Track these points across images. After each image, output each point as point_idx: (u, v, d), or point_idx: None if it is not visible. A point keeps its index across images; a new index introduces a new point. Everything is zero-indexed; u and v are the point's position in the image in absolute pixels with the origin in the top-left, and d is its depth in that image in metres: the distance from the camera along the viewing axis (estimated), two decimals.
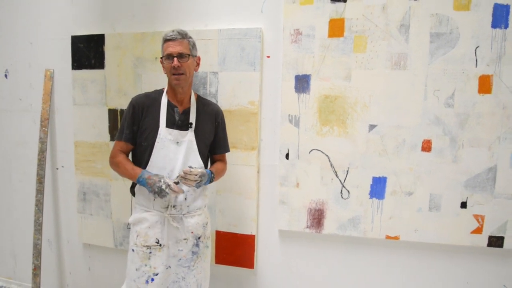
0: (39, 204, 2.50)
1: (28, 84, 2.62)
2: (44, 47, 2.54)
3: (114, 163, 1.84)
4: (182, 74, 1.73)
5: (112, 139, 2.41)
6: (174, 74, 1.73)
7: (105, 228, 2.49)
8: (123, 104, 2.37)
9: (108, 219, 2.48)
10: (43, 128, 2.51)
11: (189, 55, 1.75)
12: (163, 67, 1.80)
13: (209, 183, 1.83)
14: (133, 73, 2.33)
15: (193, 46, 1.80)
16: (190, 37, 1.78)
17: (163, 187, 1.66)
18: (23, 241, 2.77)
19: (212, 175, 1.83)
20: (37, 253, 2.51)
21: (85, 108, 2.45)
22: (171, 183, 1.67)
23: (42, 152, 2.51)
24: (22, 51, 2.60)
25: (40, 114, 2.54)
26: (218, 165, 1.95)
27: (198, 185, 1.73)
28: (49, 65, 2.54)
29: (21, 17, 2.57)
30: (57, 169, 2.62)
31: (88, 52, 2.40)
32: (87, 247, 2.62)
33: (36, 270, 2.51)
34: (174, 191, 1.68)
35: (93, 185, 2.49)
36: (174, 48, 1.71)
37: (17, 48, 2.61)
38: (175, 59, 1.71)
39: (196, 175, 1.68)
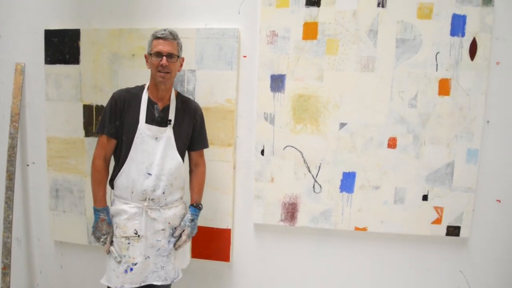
0: (9, 201, 2.44)
1: None
2: (14, 41, 2.48)
3: (92, 170, 1.88)
4: (168, 73, 1.78)
5: (87, 135, 2.39)
6: (160, 72, 1.77)
7: (79, 225, 2.47)
8: (98, 100, 2.36)
9: (82, 216, 2.46)
10: (14, 124, 2.45)
11: (177, 56, 1.82)
12: (147, 62, 1.85)
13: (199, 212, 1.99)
14: (109, 69, 2.33)
15: (181, 48, 1.86)
16: (179, 39, 1.84)
17: (100, 239, 1.82)
18: None
19: (198, 209, 1.97)
20: (6, 251, 2.44)
21: (59, 104, 2.42)
22: (107, 243, 1.82)
23: (12, 148, 2.45)
24: None
25: (10, 109, 2.48)
26: (198, 178, 2.02)
27: (191, 234, 1.93)
28: (20, 59, 2.48)
29: None
30: (28, 165, 2.56)
31: (62, 46, 2.37)
32: (59, 245, 2.58)
33: (6, 269, 2.45)
34: (106, 249, 1.84)
35: (67, 181, 2.46)
36: (164, 47, 1.76)
37: None
38: (165, 58, 1.75)
39: (187, 238, 1.90)
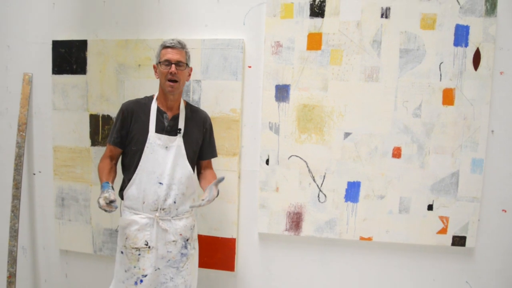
0: (15, 210, 2.45)
1: (4, 87, 2.58)
2: (23, 51, 2.52)
3: (98, 167, 1.92)
4: (177, 81, 1.80)
5: (93, 144, 2.41)
6: (169, 81, 1.79)
7: (84, 233, 2.48)
8: (105, 109, 2.39)
9: (87, 225, 2.47)
10: (21, 133, 2.48)
11: (186, 64, 1.84)
12: (155, 72, 1.88)
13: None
14: (116, 79, 2.36)
15: (189, 57, 1.89)
16: (187, 49, 1.87)
17: (99, 204, 1.67)
18: None
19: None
20: (12, 260, 2.45)
21: (65, 113, 2.45)
22: (102, 202, 1.66)
23: (19, 157, 2.47)
24: None
25: (17, 119, 2.50)
26: (212, 174, 1.99)
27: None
28: (28, 69, 2.51)
29: None
30: (34, 174, 2.58)
31: (69, 57, 2.41)
32: (64, 254, 2.59)
33: (11, 278, 2.45)
34: (105, 209, 1.68)
35: (72, 190, 2.47)
36: (173, 55, 1.79)
37: None
38: (173, 65, 1.78)
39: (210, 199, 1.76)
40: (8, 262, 2.47)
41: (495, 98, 2.07)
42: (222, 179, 1.78)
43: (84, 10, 2.41)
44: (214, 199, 1.78)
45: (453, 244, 2.13)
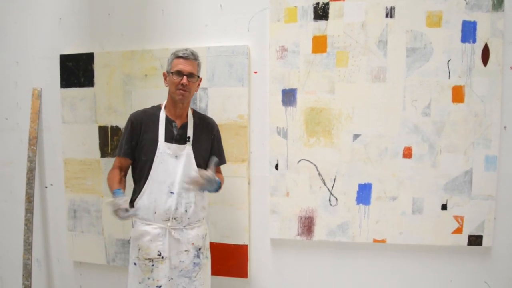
0: (28, 224, 2.48)
1: (14, 103, 2.62)
2: (31, 66, 2.56)
3: (107, 178, 1.89)
4: (187, 91, 1.81)
5: (102, 155, 2.43)
6: (179, 90, 1.79)
7: (97, 245, 2.49)
8: (113, 121, 2.40)
9: (100, 236, 2.48)
10: (32, 147, 2.51)
11: (198, 76, 1.85)
12: (165, 79, 1.88)
13: (214, 192, 1.86)
14: (123, 90, 2.38)
15: (200, 68, 1.89)
16: (199, 59, 1.87)
17: (115, 214, 1.68)
18: (10, 262, 2.71)
19: (219, 185, 1.86)
20: (27, 273, 2.48)
21: (74, 126, 2.47)
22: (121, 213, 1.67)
23: (30, 171, 2.50)
24: (8, 70, 2.60)
25: (28, 133, 2.54)
26: (220, 176, 1.98)
27: (202, 188, 1.79)
28: (37, 84, 2.55)
29: (7, 36, 2.58)
30: (46, 187, 2.61)
31: (77, 70, 2.43)
32: (77, 265, 2.60)
33: None
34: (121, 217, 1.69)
35: (84, 202, 2.49)
36: (185, 66, 1.79)
37: (3, 68, 2.61)
38: (185, 77, 1.78)
39: (206, 178, 1.73)
40: (23, 275, 2.49)
41: (506, 93, 2.03)
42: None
43: (90, 24, 2.44)
44: (199, 180, 1.74)
45: (470, 243, 2.09)
